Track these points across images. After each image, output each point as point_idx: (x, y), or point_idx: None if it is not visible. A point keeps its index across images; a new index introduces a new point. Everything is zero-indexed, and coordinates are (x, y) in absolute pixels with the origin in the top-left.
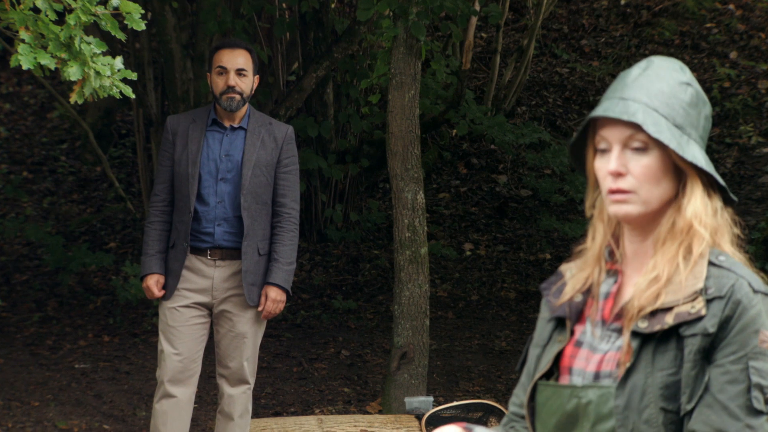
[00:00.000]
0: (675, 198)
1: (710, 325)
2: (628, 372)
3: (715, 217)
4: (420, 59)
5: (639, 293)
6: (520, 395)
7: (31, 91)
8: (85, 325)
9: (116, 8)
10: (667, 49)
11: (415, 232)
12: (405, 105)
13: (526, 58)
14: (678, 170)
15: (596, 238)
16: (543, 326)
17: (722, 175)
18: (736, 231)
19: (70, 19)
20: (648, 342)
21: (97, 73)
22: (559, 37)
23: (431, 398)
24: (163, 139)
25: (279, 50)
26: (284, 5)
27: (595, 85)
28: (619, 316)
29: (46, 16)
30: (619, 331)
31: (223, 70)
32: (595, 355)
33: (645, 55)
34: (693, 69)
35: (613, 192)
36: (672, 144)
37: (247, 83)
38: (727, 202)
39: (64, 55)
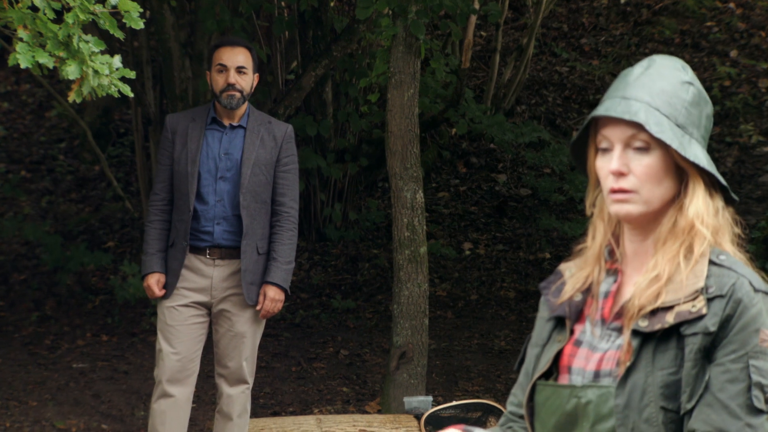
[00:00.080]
0: (676, 197)
1: (711, 324)
2: (629, 371)
3: (717, 216)
4: (419, 58)
5: (639, 292)
6: (518, 395)
7: (30, 90)
8: (84, 324)
9: (115, 7)
10: (667, 47)
11: (414, 232)
12: (404, 104)
13: (526, 57)
14: (679, 170)
15: (596, 237)
16: (542, 326)
17: (723, 174)
18: (737, 231)
19: (69, 18)
20: (648, 341)
21: (96, 71)
22: (559, 35)
23: (430, 398)
24: (162, 137)
25: (278, 49)
26: (283, 4)
27: (594, 84)
28: (619, 315)
29: (45, 14)
30: (619, 330)
31: (223, 68)
32: (595, 354)
33: (645, 54)
34: (693, 68)
35: (614, 191)
36: (674, 144)
37: (247, 81)
38: (728, 201)
39: (62, 54)
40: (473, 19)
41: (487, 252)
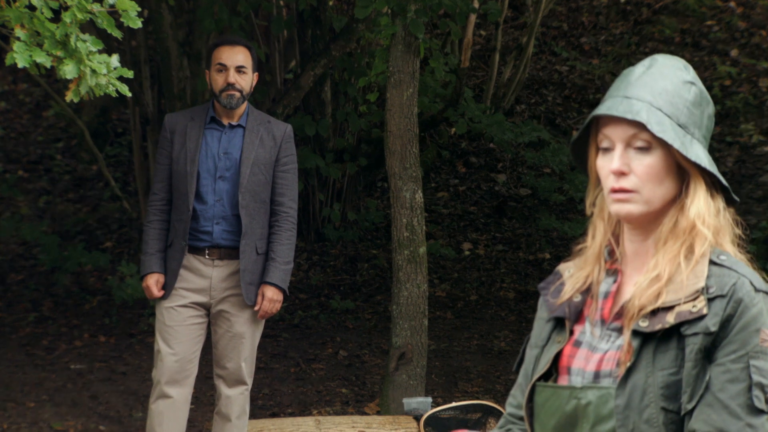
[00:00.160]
0: (677, 198)
1: (712, 324)
2: (629, 371)
3: (718, 217)
4: (418, 57)
5: (640, 292)
6: (517, 396)
7: (27, 90)
8: (81, 325)
9: (112, 6)
10: (667, 46)
11: (413, 232)
12: (403, 103)
13: (526, 56)
14: (681, 170)
15: (596, 237)
16: (541, 326)
17: (723, 174)
18: (738, 231)
19: (66, 17)
20: (649, 341)
21: (93, 71)
22: (559, 34)
23: (430, 399)
24: (161, 137)
25: (276, 48)
26: (281, 3)
27: (594, 84)
28: (618, 315)
29: (42, 13)
30: (619, 331)
31: (223, 68)
32: (595, 354)
33: (645, 54)
34: (694, 67)
35: (615, 191)
36: (676, 144)
37: (247, 80)
38: (728, 202)
39: (59, 53)
40: (473, 18)
41: (486, 252)
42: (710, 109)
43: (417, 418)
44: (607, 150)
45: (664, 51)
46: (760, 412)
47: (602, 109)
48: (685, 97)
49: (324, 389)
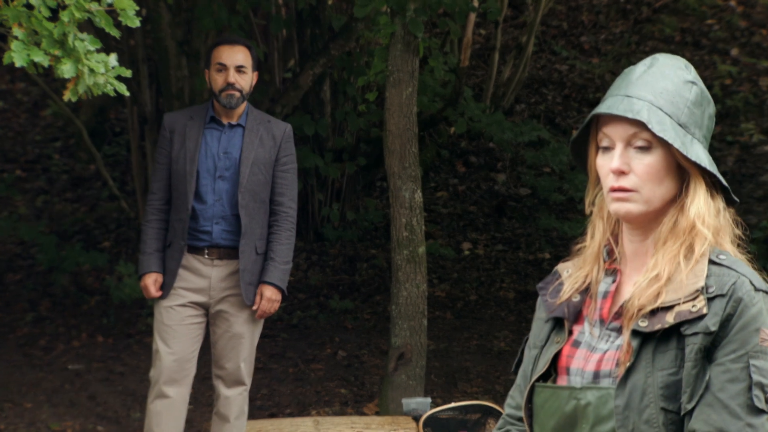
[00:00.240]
0: (677, 197)
1: (712, 323)
2: (628, 371)
3: (718, 217)
4: (418, 56)
5: (639, 292)
6: (516, 397)
7: (24, 89)
8: (79, 325)
9: (110, 5)
10: (667, 46)
11: (412, 232)
12: (402, 103)
13: (525, 55)
14: (681, 169)
15: (595, 236)
16: (540, 327)
17: (723, 174)
18: (738, 232)
19: (64, 16)
20: (648, 341)
21: (91, 70)
22: (559, 33)
23: (429, 399)
24: (160, 136)
25: (275, 47)
26: (280, 2)
27: (594, 83)
28: (618, 315)
29: (40, 12)
30: (618, 331)
31: (223, 67)
32: (594, 354)
33: (645, 53)
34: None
35: (614, 190)
36: (676, 143)
37: (247, 80)
38: (728, 202)
39: (57, 53)
40: (472, 17)
41: (486, 252)
42: (711, 108)
43: (416, 419)
44: (607, 149)
45: (665, 50)
46: (760, 411)
47: (603, 108)
48: (685, 96)
49: (323, 389)
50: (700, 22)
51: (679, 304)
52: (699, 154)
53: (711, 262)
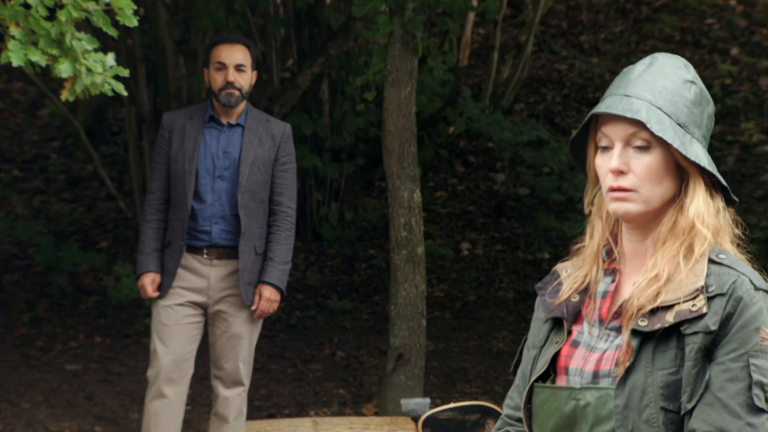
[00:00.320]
0: (676, 197)
1: (712, 322)
2: (628, 371)
3: (717, 217)
4: (416, 56)
5: (639, 292)
6: (515, 398)
7: (22, 88)
8: (76, 325)
9: (108, 4)
10: (667, 45)
11: (411, 232)
12: (401, 102)
13: (524, 55)
14: (680, 169)
15: (594, 236)
16: (539, 327)
17: (723, 174)
18: (737, 231)
19: (61, 15)
20: (648, 341)
21: (89, 70)
22: (558, 33)
23: (428, 400)
24: (158, 136)
25: (273, 47)
26: (278, 1)
27: (594, 82)
28: (617, 314)
29: (37, 12)
30: (618, 330)
31: (222, 66)
32: (593, 354)
33: (645, 52)
34: (694, 65)
35: (613, 190)
36: (675, 143)
37: (246, 79)
38: (728, 202)
39: (55, 52)
40: (471, 16)
41: (485, 252)
42: (710, 108)
43: (415, 419)
44: (606, 149)
45: (664, 49)
46: (760, 411)
47: (601, 108)
48: (685, 96)
49: (321, 390)
50: (700, 22)
51: (678, 303)
52: (698, 153)
53: (711, 261)
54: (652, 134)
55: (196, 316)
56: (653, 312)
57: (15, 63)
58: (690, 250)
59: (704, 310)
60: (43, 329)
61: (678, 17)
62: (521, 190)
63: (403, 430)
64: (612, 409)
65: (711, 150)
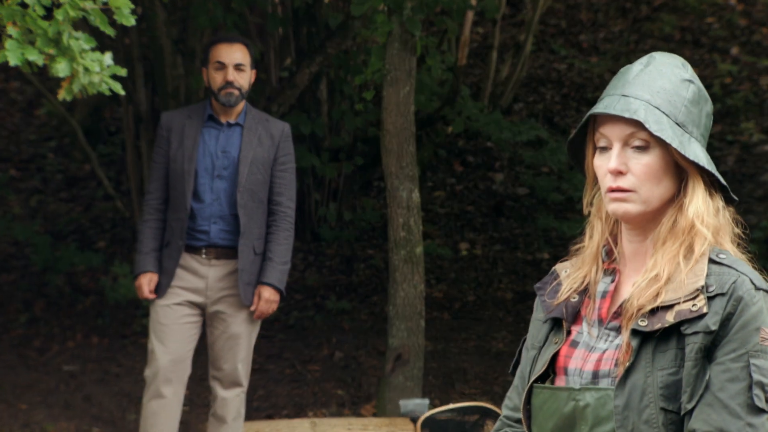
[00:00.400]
0: (675, 197)
1: (712, 322)
2: (628, 371)
3: (717, 216)
4: (415, 55)
5: (638, 292)
6: (513, 399)
7: (19, 88)
8: (74, 326)
9: (105, 3)
10: (667, 44)
11: (410, 232)
12: (400, 102)
13: (524, 54)
14: (679, 169)
15: (594, 237)
16: (538, 327)
17: (723, 174)
18: (737, 230)
19: (59, 15)
20: (648, 341)
21: (86, 69)
22: (557, 32)
23: (427, 401)
24: (157, 135)
25: (271, 46)
26: (276, 0)
27: (593, 82)
28: (617, 314)
29: (34, 11)
30: (617, 330)
31: (221, 66)
32: (593, 354)
33: (644, 51)
34: (693, 65)
35: (612, 190)
36: (674, 143)
37: (245, 78)
38: (728, 201)
39: (52, 51)
40: (470, 15)
41: (484, 252)
42: (708, 107)
43: (414, 420)
44: (605, 149)
45: (664, 48)
46: (760, 411)
47: (599, 108)
48: (683, 95)
49: (320, 391)
50: (699, 21)
51: (679, 303)
52: (697, 153)
53: (711, 261)
54: (651, 134)
55: (193, 316)
56: (653, 312)
57: (12, 62)
58: (690, 249)
59: (704, 309)
60: (41, 329)
61: (678, 16)
62: (520, 189)
63: (401, 430)
64: (611, 410)
65: (711, 150)
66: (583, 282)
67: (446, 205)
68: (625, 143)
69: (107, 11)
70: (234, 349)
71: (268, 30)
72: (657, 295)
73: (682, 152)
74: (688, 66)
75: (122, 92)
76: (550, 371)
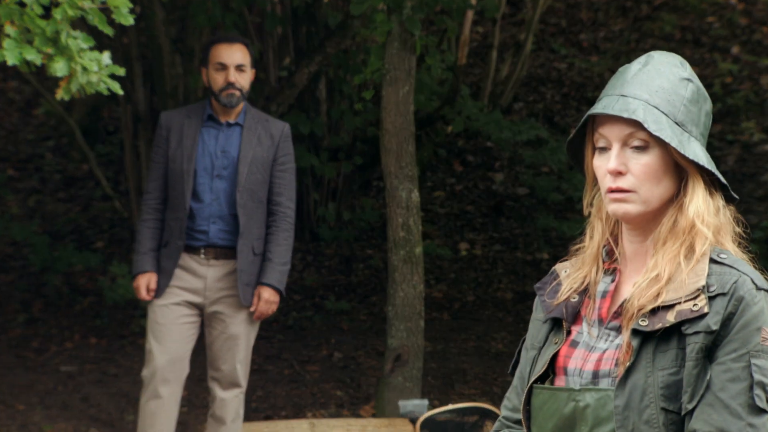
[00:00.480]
0: (675, 197)
1: (713, 322)
2: (628, 371)
3: (717, 215)
4: (415, 54)
5: (639, 292)
6: (512, 399)
7: (17, 87)
8: (72, 326)
9: (104, 2)
10: (667, 43)
11: (409, 232)
12: (399, 101)
13: (524, 53)
14: (679, 168)
15: (594, 237)
16: (538, 327)
17: (724, 173)
18: (738, 229)
19: (57, 14)
20: (648, 341)
21: (84, 68)
22: (557, 31)
23: (426, 401)
24: (156, 135)
25: (270, 45)
26: None
27: (593, 81)
28: (617, 314)
29: (32, 10)
30: (618, 330)
31: (222, 67)
32: (593, 354)
33: (645, 50)
34: (694, 64)
35: (612, 191)
36: (673, 142)
37: (246, 79)
38: (728, 200)
39: (50, 51)
40: (470, 14)
41: (483, 252)
42: (708, 106)
43: (413, 421)
44: (604, 149)
45: (664, 48)
46: (761, 411)
47: (598, 108)
48: (682, 94)
49: (318, 391)
50: (700, 20)
51: (679, 303)
52: (696, 152)
53: (712, 260)
54: (650, 134)
55: (192, 316)
56: (654, 312)
57: (10, 62)
58: (691, 249)
59: (705, 309)
60: (39, 330)
61: (678, 15)
62: (520, 189)
63: (401, 431)
64: (611, 411)
65: (711, 149)
66: (583, 282)
67: (446, 205)
68: (625, 143)
69: (105, 10)
70: (233, 349)
71: (267, 29)
72: (658, 295)
73: (682, 152)
74: (687, 65)
75: (120, 92)
76: (550, 371)
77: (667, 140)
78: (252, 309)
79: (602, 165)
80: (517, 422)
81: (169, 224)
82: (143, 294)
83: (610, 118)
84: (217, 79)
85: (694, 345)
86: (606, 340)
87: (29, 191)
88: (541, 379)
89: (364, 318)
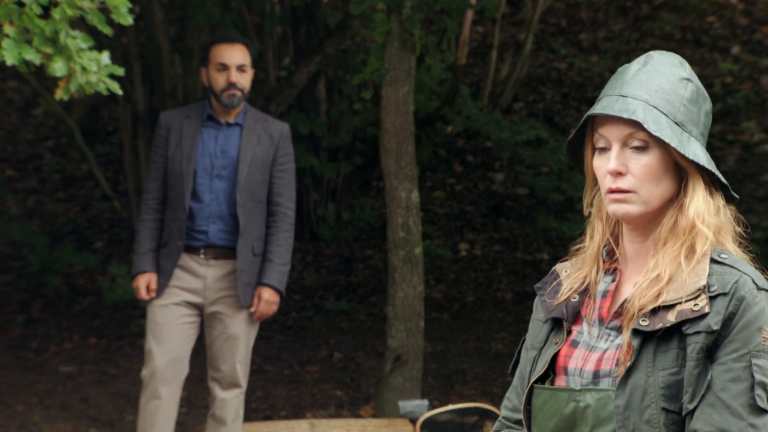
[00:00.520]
0: (676, 197)
1: (714, 322)
2: (629, 371)
3: (718, 215)
4: (414, 54)
5: (640, 292)
6: (512, 399)
7: (16, 87)
8: (71, 326)
9: (103, 2)
10: (667, 43)
11: (409, 232)
12: (399, 101)
13: (524, 53)
14: (679, 168)
15: (594, 237)
16: (538, 327)
17: (724, 173)
18: (739, 229)
19: (56, 14)
20: (649, 341)
21: (83, 68)
22: (557, 31)
23: (426, 402)
24: (155, 135)
25: (270, 45)
26: None
27: (593, 81)
28: (618, 314)
29: (31, 10)
30: (618, 330)
31: (224, 67)
32: (593, 353)
33: (645, 50)
34: (694, 64)
35: (612, 191)
36: (673, 142)
37: (247, 79)
38: (728, 199)
39: (49, 50)
40: (469, 14)
41: (483, 252)
42: (707, 105)
43: (413, 421)
44: (604, 150)
45: (665, 48)
46: (762, 411)
47: (597, 108)
48: (681, 94)
49: (318, 392)
50: (700, 20)
51: (680, 303)
52: (696, 152)
53: (713, 260)
54: (650, 134)
55: (191, 316)
56: (654, 312)
57: (9, 62)
58: (691, 249)
59: (706, 309)
60: (38, 330)
61: (678, 15)
62: (520, 189)
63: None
64: (612, 411)
65: (711, 149)
66: (583, 282)
67: (446, 205)
68: (624, 144)
69: (105, 10)
70: (233, 350)
71: (267, 29)
72: (658, 295)
73: (682, 152)
74: (686, 64)
75: (120, 91)
76: (550, 371)
77: (666, 140)
78: (252, 309)
79: (602, 165)
80: (518, 422)
81: (168, 224)
82: (143, 294)
83: (609, 119)
84: (218, 80)
85: (694, 345)
86: (606, 340)
87: (28, 191)
88: (542, 379)
89: (363, 318)
